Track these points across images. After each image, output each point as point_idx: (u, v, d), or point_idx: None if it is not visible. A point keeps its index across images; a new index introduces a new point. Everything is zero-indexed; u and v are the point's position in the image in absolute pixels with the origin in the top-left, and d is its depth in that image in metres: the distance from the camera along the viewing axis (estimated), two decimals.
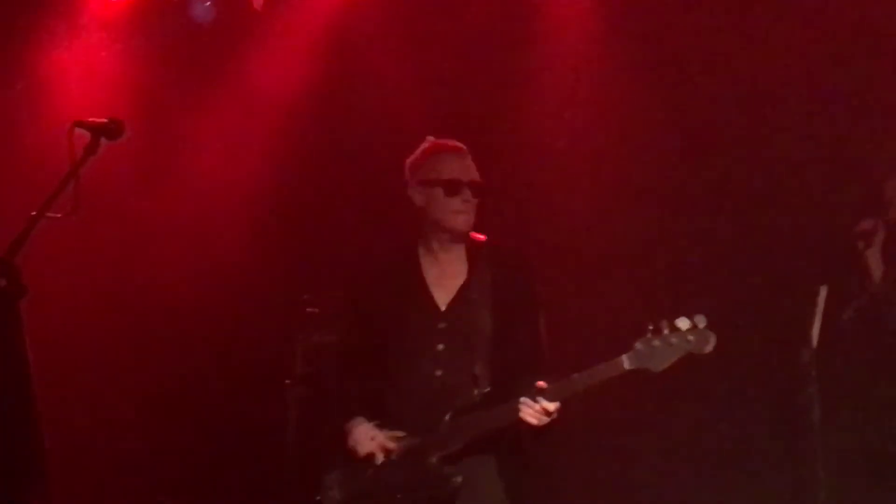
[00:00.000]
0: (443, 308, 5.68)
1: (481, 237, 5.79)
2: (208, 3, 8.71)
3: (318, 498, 5.68)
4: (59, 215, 4.81)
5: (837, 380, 7.30)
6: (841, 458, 7.33)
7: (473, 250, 5.75)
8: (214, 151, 8.80)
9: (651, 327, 5.28)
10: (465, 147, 5.77)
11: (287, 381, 8.09)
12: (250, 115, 8.79)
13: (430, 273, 5.73)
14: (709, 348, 5.25)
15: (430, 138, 5.80)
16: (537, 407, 5.32)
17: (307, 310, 8.24)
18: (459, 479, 5.44)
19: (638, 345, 5.29)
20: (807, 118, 8.16)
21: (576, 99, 8.52)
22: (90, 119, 5.01)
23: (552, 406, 5.34)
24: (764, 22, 8.24)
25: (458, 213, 5.64)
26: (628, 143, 8.40)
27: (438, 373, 5.59)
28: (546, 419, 5.36)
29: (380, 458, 5.55)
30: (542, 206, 8.48)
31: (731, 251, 8.25)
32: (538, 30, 8.55)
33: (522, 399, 5.34)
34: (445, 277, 5.71)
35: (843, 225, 7.61)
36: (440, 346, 5.62)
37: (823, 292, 7.33)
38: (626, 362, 5.31)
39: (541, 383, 5.34)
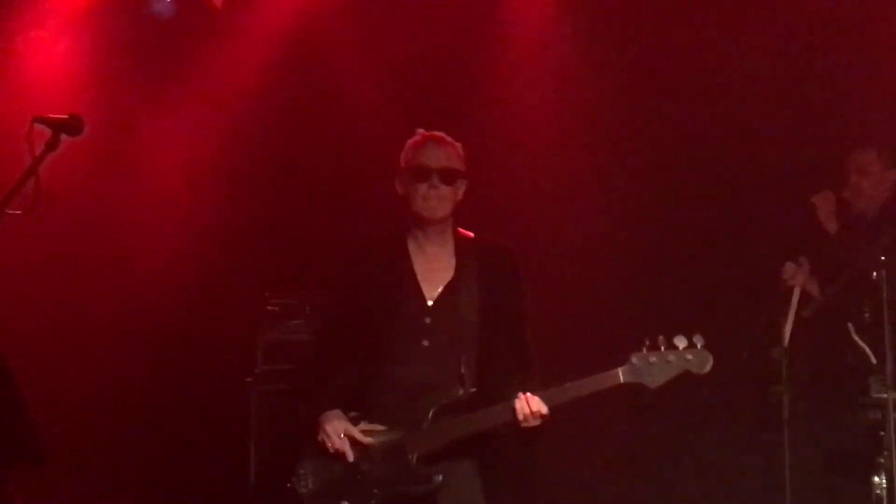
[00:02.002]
0: (430, 302, 5.61)
1: (469, 234, 5.76)
2: (169, 0, 8.67)
3: (289, 485, 5.60)
4: (18, 212, 4.77)
5: (803, 376, 7.37)
6: (808, 454, 7.40)
7: (462, 246, 5.70)
8: (175, 148, 8.76)
9: (647, 342, 5.30)
10: (444, 136, 5.74)
11: (248, 379, 8.07)
12: (211, 112, 8.75)
13: (419, 265, 5.67)
14: (707, 368, 5.29)
15: (420, 131, 5.78)
16: (529, 408, 5.31)
17: (268, 308, 8.22)
18: (439, 478, 5.40)
19: (634, 359, 5.31)
20: (782, 117, 8.24)
21: (549, 99, 8.55)
22: (50, 115, 4.96)
23: (545, 408, 5.33)
24: (733, 20, 8.30)
25: (425, 198, 5.60)
26: (606, 145, 8.45)
27: (422, 369, 5.51)
28: (535, 422, 5.34)
29: (350, 455, 5.48)
30: (521, 211, 8.50)
31: (708, 250, 8.31)
32: (508, 26, 8.57)
33: (519, 395, 5.33)
34: (433, 271, 5.65)
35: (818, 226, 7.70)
36: (425, 342, 5.54)
37: (797, 293, 7.39)
38: (621, 375, 5.32)
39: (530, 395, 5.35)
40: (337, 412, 5.55)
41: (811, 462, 7.55)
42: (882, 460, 6.91)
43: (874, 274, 6.73)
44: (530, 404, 5.32)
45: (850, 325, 7.23)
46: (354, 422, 5.54)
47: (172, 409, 8.58)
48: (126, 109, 8.65)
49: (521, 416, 5.33)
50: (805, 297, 7.41)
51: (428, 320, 5.57)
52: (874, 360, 7.04)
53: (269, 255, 8.69)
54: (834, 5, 8.21)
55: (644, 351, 5.31)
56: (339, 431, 5.50)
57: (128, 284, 8.63)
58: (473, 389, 5.47)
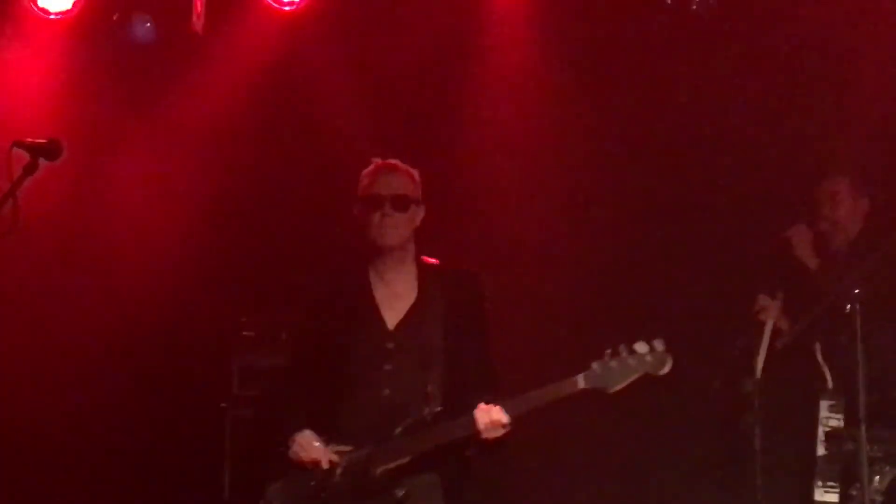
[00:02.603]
0: (391, 328, 5.69)
1: (433, 261, 5.83)
2: (149, 24, 8.67)
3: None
4: None
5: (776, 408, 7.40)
6: (780, 485, 7.43)
7: (424, 273, 5.78)
8: (154, 172, 8.75)
9: (609, 351, 5.37)
10: (397, 163, 5.82)
11: (223, 405, 8.06)
12: (190, 137, 8.74)
13: (380, 294, 5.74)
14: (665, 370, 5.35)
15: (376, 160, 5.85)
16: (489, 417, 5.36)
17: (244, 333, 8.22)
18: (402, 492, 5.47)
19: (594, 365, 5.38)
20: (756, 145, 8.30)
21: (520, 114, 8.59)
22: (29, 139, 4.97)
23: (505, 418, 5.39)
24: (697, 38, 8.35)
25: (379, 226, 5.68)
26: (572, 161, 8.50)
27: (386, 392, 5.59)
28: (496, 432, 5.40)
29: (325, 462, 5.52)
30: (494, 225, 8.52)
31: (682, 279, 8.35)
32: (482, 47, 8.61)
33: (480, 405, 5.39)
34: (395, 298, 5.73)
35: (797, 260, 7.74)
36: (387, 367, 5.62)
37: (770, 323, 7.42)
38: (581, 381, 5.38)
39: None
40: (308, 431, 5.59)
41: (784, 493, 7.57)
42: (854, 493, 6.94)
43: (847, 307, 6.76)
44: (490, 413, 5.39)
45: (816, 345, 7.28)
46: (325, 444, 5.57)
47: (147, 432, 8.54)
48: (106, 133, 8.63)
49: (481, 426, 5.39)
50: (778, 328, 7.45)
51: (390, 345, 5.65)
52: (830, 384, 7.08)
53: (245, 279, 8.69)
54: (803, 33, 8.28)
55: (606, 358, 5.38)
56: (311, 442, 5.56)
57: (105, 307, 8.60)
58: (439, 408, 5.55)
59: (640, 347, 5.36)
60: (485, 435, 5.41)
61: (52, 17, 8.50)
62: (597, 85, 8.53)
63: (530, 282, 8.45)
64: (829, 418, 7.11)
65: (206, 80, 8.69)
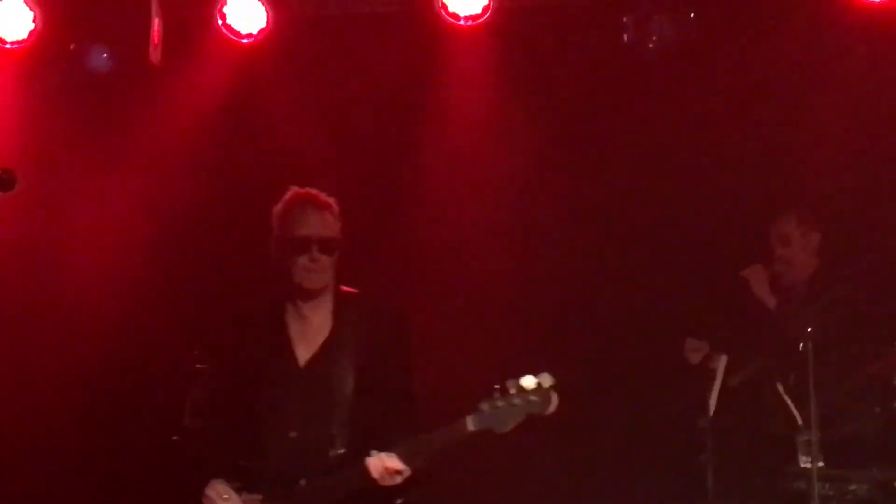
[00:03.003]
0: (302, 364, 5.49)
1: (351, 290, 5.63)
2: (105, 55, 8.64)
3: None
4: None
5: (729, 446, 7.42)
6: None
7: (341, 303, 5.57)
8: (110, 202, 8.71)
9: (497, 387, 5.23)
10: (318, 196, 5.60)
11: (174, 438, 8.00)
12: (147, 168, 8.72)
13: (294, 328, 5.54)
14: (550, 409, 5.21)
15: (294, 188, 5.64)
16: (383, 465, 5.25)
17: (196, 365, 8.16)
18: None
19: (483, 405, 5.24)
20: (699, 172, 8.36)
21: (477, 148, 8.62)
22: None
23: (400, 466, 5.25)
24: (653, 76, 8.41)
25: (307, 270, 5.47)
26: (527, 195, 8.54)
27: (293, 434, 5.40)
28: (395, 479, 5.27)
29: None
30: (445, 255, 8.54)
31: (636, 318, 8.38)
32: (439, 79, 8.64)
33: (368, 458, 5.27)
34: (310, 332, 5.53)
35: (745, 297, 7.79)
36: (295, 406, 5.43)
37: (723, 361, 7.44)
38: (470, 424, 5.25)
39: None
40: (219, 483, 5.44)
41: None
42: None
43: (801, 345, 6.80)
44: (384, 462, 5.25)
45: (779, 384, 7.30)
46: (237, 493, 5.43)
47: (100, 464, 8.50)
48: (61, 163, 8.60)
49: (376, 475, 5.26)
50: (731, 366, 7.47)
51: (300, 383, 5.46)
52: (800, 421, 7.10)
53: (200, 311, 8.64)
54: (757, 73, 8.35)
55: (495, 395, 5.23)
56: (221, 494, 5.40)
57: (57, 337, 8.55)
58: (342, 451, 5.38)
59: (527, 382, 5.20)
60: (382, 483, 5.27)
61: (7, 46, 8.45)
62: (553, 120, 8.58)
63: (481, 313, 8.45)
64: (805, 456, 7.09)
65: (163, 111, 8.66)
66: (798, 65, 8.27)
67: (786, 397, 7.23)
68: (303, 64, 8.66)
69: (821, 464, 6.85)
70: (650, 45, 8.12)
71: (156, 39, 8.28)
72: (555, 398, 5.20)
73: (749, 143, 8.42)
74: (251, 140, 8.77)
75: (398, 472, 5.26)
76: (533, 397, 5.19)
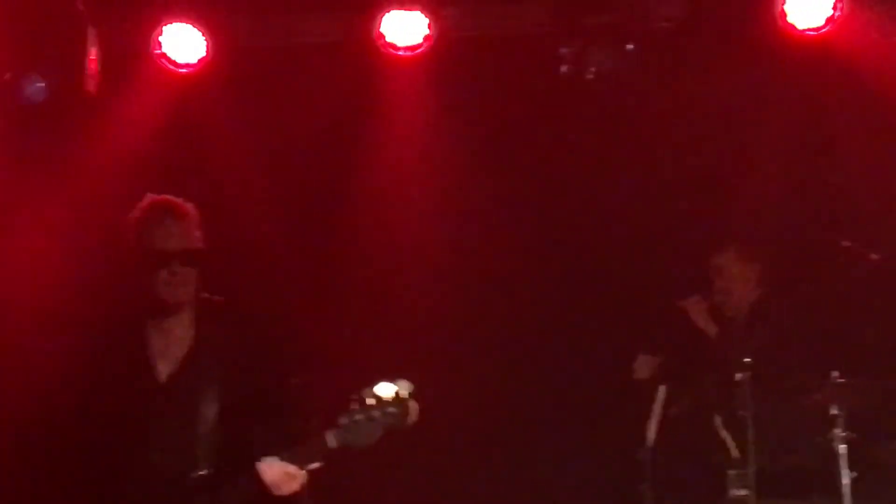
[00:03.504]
0: (163, 380, 5.19)
1: (215, 299, 5.35)
2: (41, 84, 8.56)
3: None
4: None
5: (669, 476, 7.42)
6: None
7: (204, 314, 5.28)
8: (45, 234, 8.62)
9: (355, 398, 4.93)
10: (177, 204, 5.32)
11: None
12: (83, 198, 8.64)
13: (155, 342, 5.24)
14: (411, 420, 4.93)
15: (150, 195, 5.36)
16: (281, 471, 4.95)
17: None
18: None
19: (343, 419, 4.94)
20: (637, 203, 8.39)
21: (415, 176, 8.66)
22: None
23: (294, 469, 4.96)
24: (591, 108, 8.44)
25: (168, 284, 5.17)
26: (465, 223, 8.56)
27: (155, 457, 5.09)
28: (291, 486, 4.96)
29: None
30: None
31: (577, 345, 8.39)
32: (378, 109, 8.64)
33: (259, 464, 4.95)
34: (171, 346, 5.23)
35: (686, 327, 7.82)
36: (156, 428, 5.11)
37: (662, 392, 7.45)
38: (331, 439, 4.95)
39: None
40: None
41: None
42: None
43: (739, 376, 6.83)
44: (280, 467, 4.95)
45: (717, 417, 7.31)
46: None
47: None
48: None
49: (270, 482, 4.94)
50: (671, 396, 7.49)
51: (159, 400, 5.16)
52: (735, 453, 7.11)
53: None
54: (695, 106, 8.40)
55: (353, 407, 4.93)
56: None
57: None
58: (205, 472, 5.07)
59: (384, 391, 4.90)
60: (277, 491, 4.95)
61: None
62: (492, 151, 8.61)
63: (425, 342, 8.45)
64: (736, 489, 7.11)
65: (100, 142, 8.60)
66: (735, 96, 8.34)
67: (722, 431, 7.25)
68: (242, 94, 8.62)
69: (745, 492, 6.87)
70: (588, 77, 8.14)
71: (92, 69, 8.23)
72: (414, 408, 4.93)
73: (689, 172, 8.47)
74: (189, 171, 8.69)
75: (294, 477, 4.98)
76: (391, 409, 4.89)
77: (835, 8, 7.77)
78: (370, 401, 4.91)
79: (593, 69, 8.11)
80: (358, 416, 4.90)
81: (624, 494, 7.57)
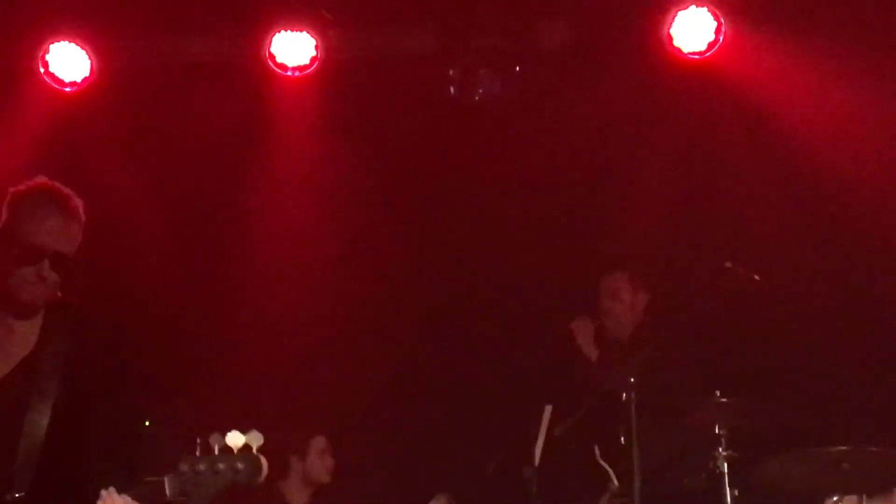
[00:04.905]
0: None
1: (67, 299, 4.73)
2: None
3: None
4: None
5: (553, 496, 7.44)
6: None
7: (53, 315, 4.67)
8: None
9: (199, 441, 4.31)
10: (71, 198, 4.71)
11: None
12: None
13: None
14: (260, 478, 4.29)
15: (41, 177, 4.74)
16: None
17: None
18: None
19: (183, 465, 4.29)
20: (537, 242, 8.44)
21: (306, 199, 8.67)
22: None
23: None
24: (481, 129, 8.47)
25: (29, 284, 4.57)
26: (355, 249, 8.56)
27: None
28: None
29: None
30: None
31: (466, 365, 8.41)
32: (268, 129, 8.62)
33: (102, 493, 4.31)
34: (11, 346, 4.63)
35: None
36: None
37: (548, 411, 7.48)
38: (167, 487, 4.28)
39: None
40: None
41: None
42: None
43: (624, 395, 6.86)
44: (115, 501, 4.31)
45: (595, 447, 7.35)
46: None
47: None
48: None
49: None
50: (556, 416, 7.52)
51: None
52: (616, 483, 7.15)
53: None
54: (587, 129, 8.48)
55: (197, 453, 4.30)
56: None
57: None
58: (21, 494, 4.48)
59: (233, 440, 4.25)
60: None
61: None
62: (380, 172, 8.63)
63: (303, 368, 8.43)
64: None
65: None
66: (622, 118, 8.41)
67: (601, 462, 7.29)
68: (128, 113, 8.55)
69: None
70: (476, 98, 8.17)
71: None
72: (264, 464, 4.28)
73: (575, 193, 8.53)
74: (73, 190, 8.60)
75: None
76: (240, 464, 4.25)
77: (717, 32, 7.86)
78: (216, 443, 4.29)
79: (481, 91, 8.14)
80: (201, 466, 4.27)
81: None
